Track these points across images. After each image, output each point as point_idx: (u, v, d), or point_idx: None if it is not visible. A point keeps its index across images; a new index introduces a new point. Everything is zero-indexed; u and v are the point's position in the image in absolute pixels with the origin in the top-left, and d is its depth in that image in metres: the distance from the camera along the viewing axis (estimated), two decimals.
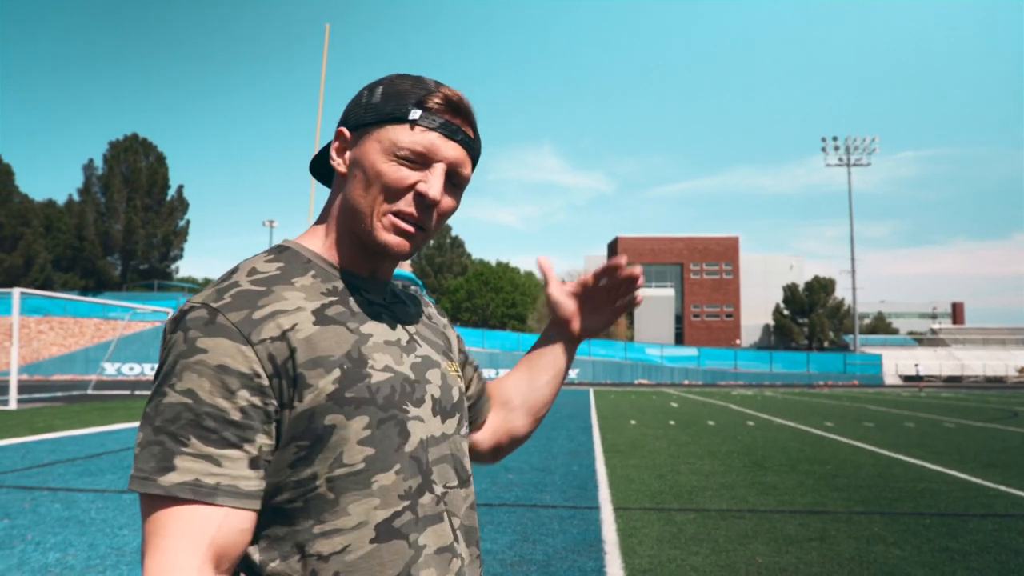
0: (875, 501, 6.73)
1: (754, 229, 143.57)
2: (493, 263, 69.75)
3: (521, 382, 1.20)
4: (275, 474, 0.81)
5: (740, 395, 30.74)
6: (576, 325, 1.18)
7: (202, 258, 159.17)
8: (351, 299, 0.91)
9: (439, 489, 0.89)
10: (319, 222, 0.97)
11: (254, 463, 0.79)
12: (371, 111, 0.90)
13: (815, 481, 7.82)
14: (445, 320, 1.15)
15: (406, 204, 0.88)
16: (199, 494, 0.75)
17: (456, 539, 0.91)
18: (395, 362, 0.89)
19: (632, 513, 6.07)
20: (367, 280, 0.95)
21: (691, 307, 71.25)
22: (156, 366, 0.82)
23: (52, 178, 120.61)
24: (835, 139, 60.35)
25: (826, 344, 66.85)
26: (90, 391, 25.32)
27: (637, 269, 1.13)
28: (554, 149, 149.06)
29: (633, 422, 15.55)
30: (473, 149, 0.93)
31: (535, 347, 1.22)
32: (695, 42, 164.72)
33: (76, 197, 53.99)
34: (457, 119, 0.91)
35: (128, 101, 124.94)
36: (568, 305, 1.17)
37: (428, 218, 0.90)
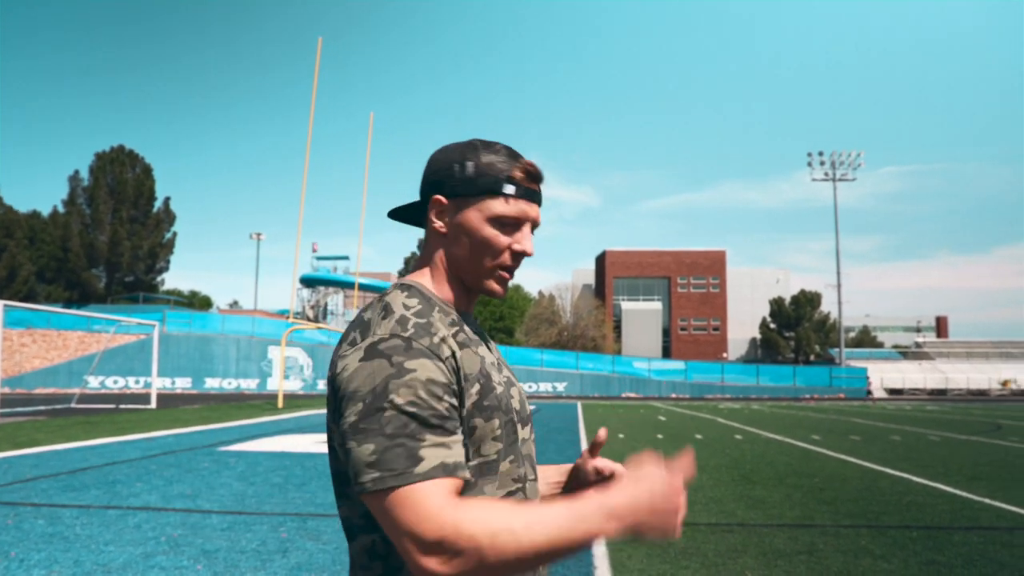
0: (862, 515, 6.78)
1: (741, 243, 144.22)
2: None
3: None
4: None
5: (727, 408, 30.79)
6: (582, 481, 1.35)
7: (188, 271, 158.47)
8: (465, 327, 1.14)
9: (531, 478, 1.16)
10: (424, 265, 1.21)
11: (464, 446, 1.04)
12: (468, 185, 1.13)
13: (803, 495, 7.86)
14: None
15: (507, 260, 1.16)
16: (448, 471, 0.96)
17: None
18: (499, 380, 1.13)
19: None
20: (465, 315, 1.20)
21: (678, 320, 71.51)
22: (349, 393, 1.00)
23: (37, 189, 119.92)
24: (821, 154, 60.86)
25: (812, 358, 67.25)
26: (73, 404, 24.97)
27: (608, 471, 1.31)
28: (541, 163, 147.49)
29: (621, 436, 15.56)
30: (541, 202, 1.20)
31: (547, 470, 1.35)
32: (682, 57, 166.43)
33: (61, 208, 53.51)
34: (534, 184, 1.17)
35: (114, 112, 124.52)
36: (588, 474, 1.32)
37: (519, 265, 1.19)
